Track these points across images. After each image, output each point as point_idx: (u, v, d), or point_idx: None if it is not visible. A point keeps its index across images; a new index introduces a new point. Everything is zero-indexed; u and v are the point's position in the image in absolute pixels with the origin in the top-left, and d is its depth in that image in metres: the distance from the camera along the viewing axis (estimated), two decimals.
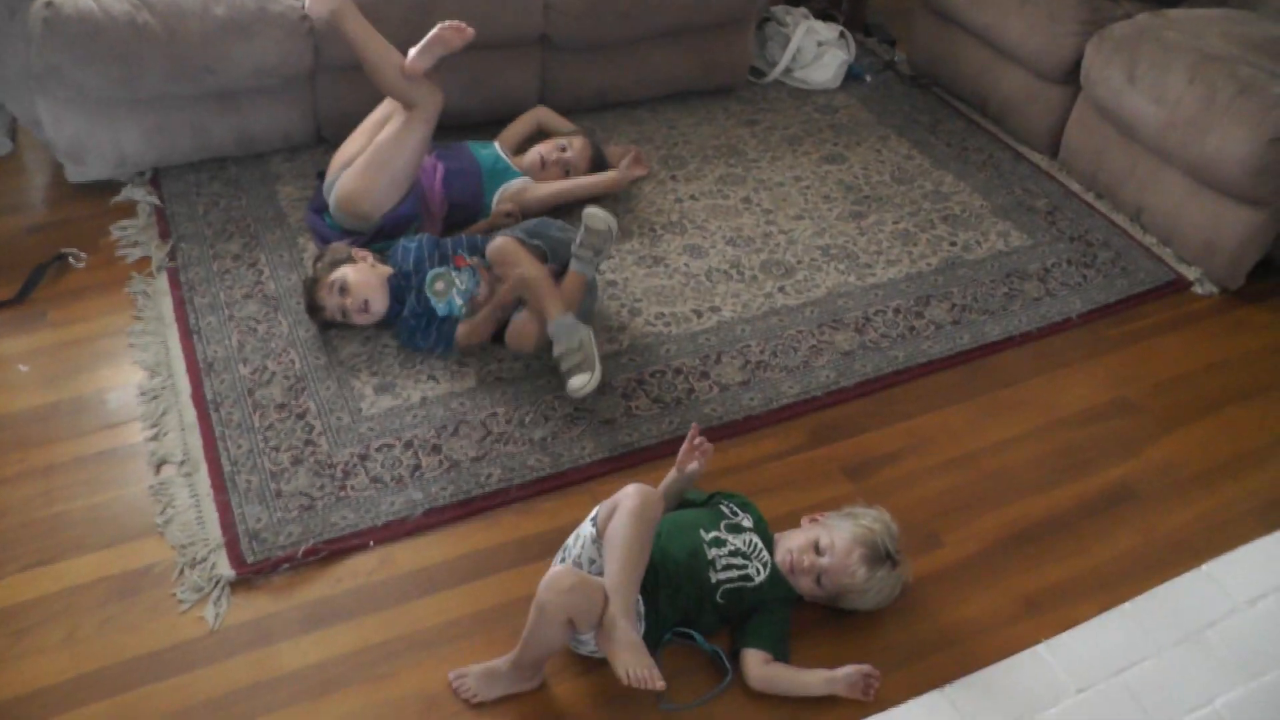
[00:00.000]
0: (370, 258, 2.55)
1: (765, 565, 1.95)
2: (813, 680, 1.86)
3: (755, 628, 1.92)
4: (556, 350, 2.38)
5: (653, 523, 1.81)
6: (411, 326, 2.49)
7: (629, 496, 1.81)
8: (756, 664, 1.88)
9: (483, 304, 2.50)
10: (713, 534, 1.95)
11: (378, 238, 2.72)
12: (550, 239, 2.51)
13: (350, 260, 2.52)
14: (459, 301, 2.49)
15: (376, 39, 2.66)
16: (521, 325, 2.44)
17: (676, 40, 3.49)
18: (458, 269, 2.52)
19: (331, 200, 2.73)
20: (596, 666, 1.87)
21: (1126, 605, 2.07)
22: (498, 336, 2.51)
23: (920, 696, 1.88)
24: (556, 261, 2.49)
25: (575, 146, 3.07)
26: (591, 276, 2.51)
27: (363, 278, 2.47)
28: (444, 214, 2.86)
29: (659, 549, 1.88)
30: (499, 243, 2.46)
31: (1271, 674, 1.95)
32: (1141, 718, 1.86)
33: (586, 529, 1.88)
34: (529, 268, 2.43)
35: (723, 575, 1.91)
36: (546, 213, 2.89)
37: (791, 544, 1.97)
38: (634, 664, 1.65)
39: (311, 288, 2.49)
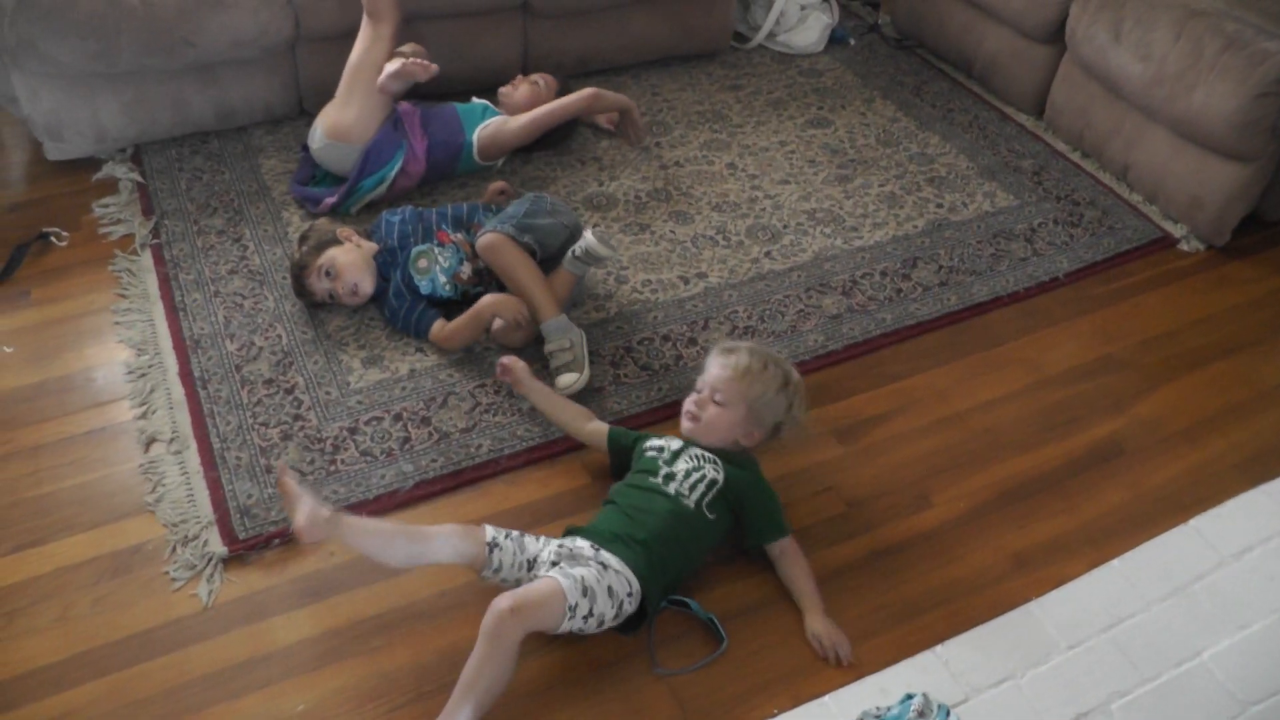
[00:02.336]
0: (354, 236, 2.53)
1: (715, 463, 2.00)
2: (806, 601, 1.95)
3: (752, 523, 2.00)
4: (547, 348, 2.38)
5: (511, 647, 1.73)
6: (394, 307, 2.47)
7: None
8: (777, 553, 2.00)
9: (466, 281, 2.49)
10: (662, 473, 1.99)
11: (362, 174, 2.75)
12: (540, 230, 2.47)
13: (336, 242, 2.50)
14: (442, 279, 2.47)
15: None
16: (509, 327, 2.41)
17: (658, 5, 3.46)
18: (440, 245, 2.50)
19: (317, 134, 2.78)
20: (566, 645, 1.88)
21: (1115, 561, 2.08)
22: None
23: (913, 656, 1.90)
24: (545, 252, 2.46)
25: (536, 74, 3.16)
26: (581, 275, 2.52)
27: (350, 260, 2.45)
28: (426, 150, 2.86)
29: (637, 511, 1.91)
30: (490, 240, 2.41)
31: (1257, 625, 1.97)
32: (1131, 672, 1.88)
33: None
34: (521, 272, 2.40)
35: (694, 496, 1.95)
36: (525, 143, 2.98)
37: (683, 407, 2.09)
38: None
39: (299, 274, 2.47)
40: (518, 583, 1.84)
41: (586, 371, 2.35)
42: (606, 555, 1.85)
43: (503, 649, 1.70)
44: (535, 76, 3.13)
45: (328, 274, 2.44)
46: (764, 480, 2.05)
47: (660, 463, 2.02)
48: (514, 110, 3.03)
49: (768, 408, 2.04)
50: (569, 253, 2.47)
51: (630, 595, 1.84)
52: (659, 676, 1.84)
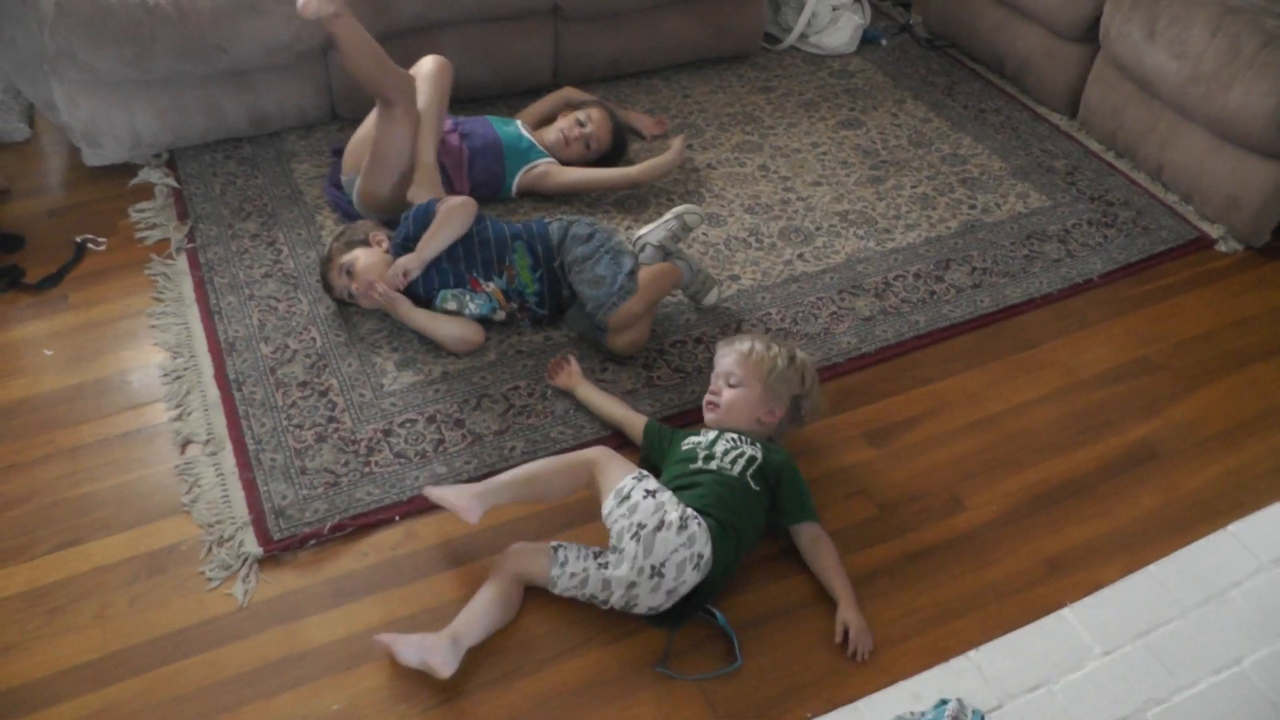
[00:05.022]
0: (386, 242, 2.53)
1: (751, 443, 2.05)
2: (841, 593, 1.95)
3: (787, 502, 2.03)
4: (688, 292, 2.61)
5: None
6: None
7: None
8: (808, 539, 2.02)
9: (503, 320, 2.52)
10: (702, 456, 2.03)
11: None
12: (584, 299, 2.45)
13: (365, 243, 2.51)
14: (471, 313, 2.48)
15: (363, 36, 2.56)
16: (636, 334, 2.45)
17: (689, 7, 3.46)
18: (473, 292, 2.47)
19: (355, 201, 2.75)
20: (600, 646, 1.89)
21: (1150, 567, 2.06)
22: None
23: (947, 661, 1.89)
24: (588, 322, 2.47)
25: (594, 118, 3.02)
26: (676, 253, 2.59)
27: (370, 262, 2.46)
28: (468, 193, 2.85)
29: (695, 496, 1.94)
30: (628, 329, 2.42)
31: None
32: (1167, 680, 1.86)
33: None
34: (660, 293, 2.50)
35: (738, 467, 2.00)
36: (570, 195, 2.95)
37: (704, 401, 2.20)
38: None
39: (325, 266, 2.51)
40: (586, 583, 1.88)
41: (718, 284, 2.64)
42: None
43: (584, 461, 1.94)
44: (591, 132, 2.99)
45: (347, 272, 2.46)
46: (797, 466, 2.08)
47: (699, 451, 2.05)
48: (560, 152, 3.00)
49: (781, 381, 2.13)
50: (660, 249, 2.53)
51: (699, 564, 1.86)
52: (659, 675, 1.85)
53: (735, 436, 2.07)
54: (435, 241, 2.44)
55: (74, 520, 2.06)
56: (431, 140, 2.71)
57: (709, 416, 2.17)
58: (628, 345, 2.44)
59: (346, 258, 2.47)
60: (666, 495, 1.89)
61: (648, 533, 1.83)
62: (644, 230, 2.55)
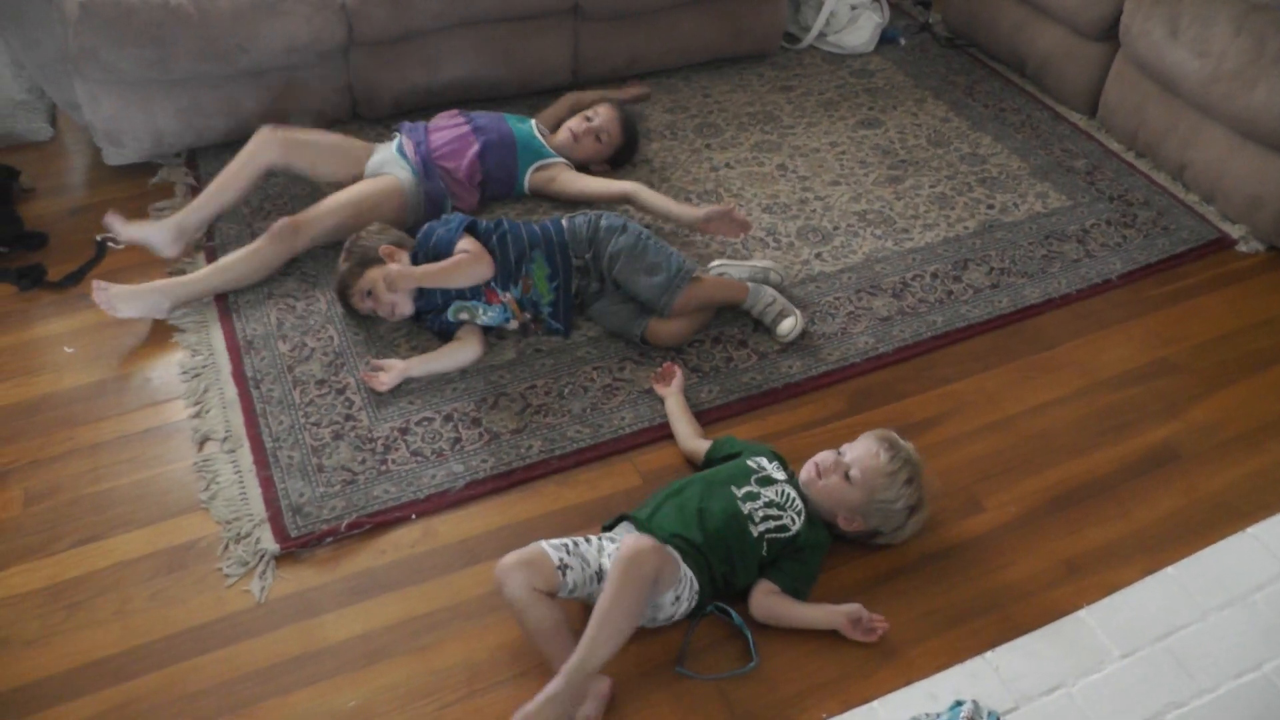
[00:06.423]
0: (396, 253, 2.47)
1: (800, 514, 1.98)
2: (815, 613, 1.91)
3: (780, 566, 1.96)
4: (754, 311, 2.54)
5: (644, 579, 1.75)
6: (430, 323, 2.50)
7: (623, 548, 1.78)
8: (761, 594, 1.93)
9: (515, 330, 2.51)
10: (745, 489, 1.97)
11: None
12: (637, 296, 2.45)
13: (377, 260, 2.45)
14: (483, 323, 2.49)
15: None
16: (684, 325, 2.47)
17: (709, 7, 3.46)
18: (488, 304, 2.46)
19: None
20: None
21: (1170, 569, 2.04)
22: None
23: (964, 662, 1.88)
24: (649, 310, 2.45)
25: (601, 113, 3.02)
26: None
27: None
28: (479, 185, 2.85)
29: (700, 511, 1.92)
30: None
31: None
32: (1187, 683, 1.85)
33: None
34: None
35: (761, 526, 1.94)
36: (573, 202, 2.90)
37: (815, 457, 2.03)
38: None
39: (343, 290, 2.48)
40: (589, 596, 1.85)
41: (798, 312, 2.52)
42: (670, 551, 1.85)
43: (640, 582, 1.73)
44: (600, 125, 2.99)
45: (368, 294, 2.44)
46: (823, 554, 2.01)
47: (753, 479, 2.00)
48: (570, 150, 3.00)
49: (884, 516, 1.99)
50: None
51: (690, 598, 1.87)
52: (679, 675, 1.85)
53: (794, 497, 1.99)
54: (438, 280, 2.41)
55: (94, 516, 2.08)
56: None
57: (804, 474, 2.03)
58: (672, 336, 2.45)
59: (364, 281, 2.43)
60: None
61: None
62: (725, 263, 2.58)
